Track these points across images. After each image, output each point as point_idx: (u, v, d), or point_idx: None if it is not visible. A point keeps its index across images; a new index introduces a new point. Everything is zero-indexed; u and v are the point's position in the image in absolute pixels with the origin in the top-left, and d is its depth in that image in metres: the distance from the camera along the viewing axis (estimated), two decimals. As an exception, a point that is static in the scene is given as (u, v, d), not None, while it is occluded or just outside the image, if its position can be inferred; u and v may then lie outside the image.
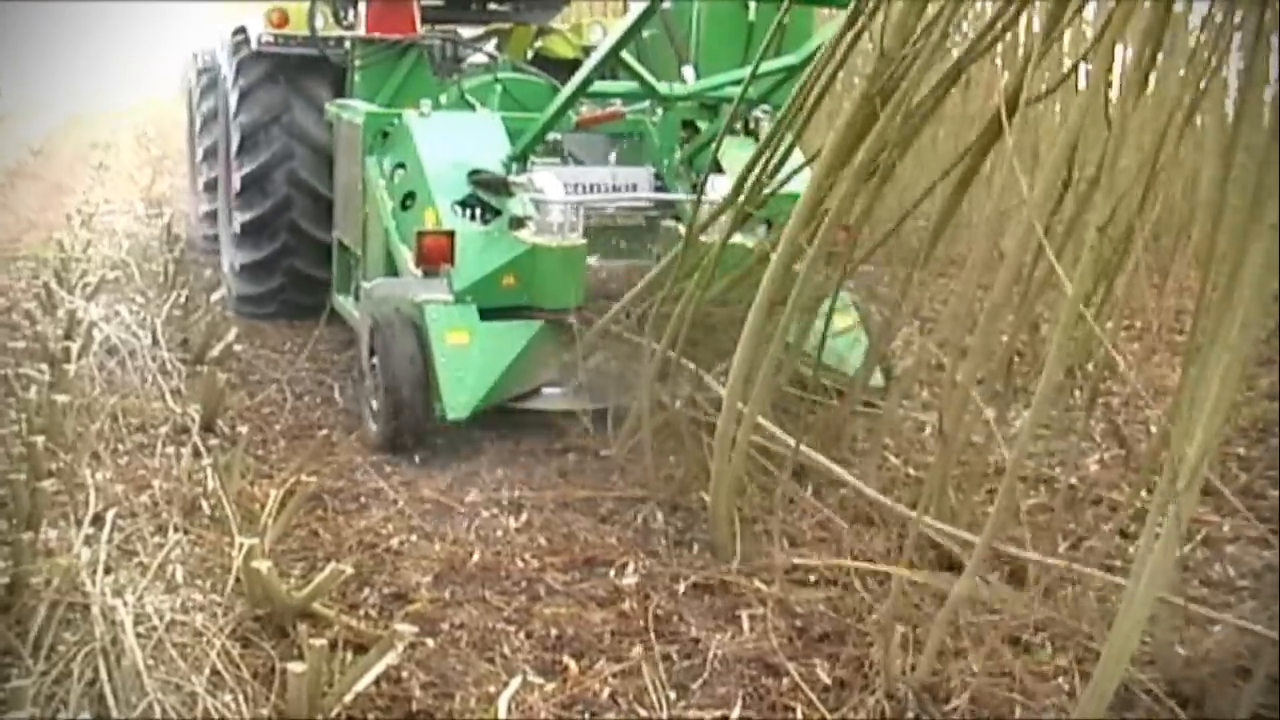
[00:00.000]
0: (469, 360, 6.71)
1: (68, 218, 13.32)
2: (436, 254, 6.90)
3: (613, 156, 8.51)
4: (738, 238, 6.41)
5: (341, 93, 9.08)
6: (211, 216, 11.10)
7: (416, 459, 6.75)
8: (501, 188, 7.29)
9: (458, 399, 6.62)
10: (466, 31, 10.24)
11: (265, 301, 9.67)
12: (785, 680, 4.65)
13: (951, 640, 4.65)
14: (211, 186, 10.87)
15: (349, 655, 4.51)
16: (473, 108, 8.54)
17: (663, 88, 7.83)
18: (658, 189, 8.07)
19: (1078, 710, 4.07)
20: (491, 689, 4.47)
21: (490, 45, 10.02)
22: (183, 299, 9.49)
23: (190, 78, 11.81)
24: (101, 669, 4.21)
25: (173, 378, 7.72)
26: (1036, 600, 4.77)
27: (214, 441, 6.70)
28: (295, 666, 4.07)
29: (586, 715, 4.38)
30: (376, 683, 4.36)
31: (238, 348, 8.59)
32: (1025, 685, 4.50)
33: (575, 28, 10.64)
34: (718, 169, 7.26)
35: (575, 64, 9.10)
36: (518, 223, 7.13)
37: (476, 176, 7.37)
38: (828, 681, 4.65)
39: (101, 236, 12.68)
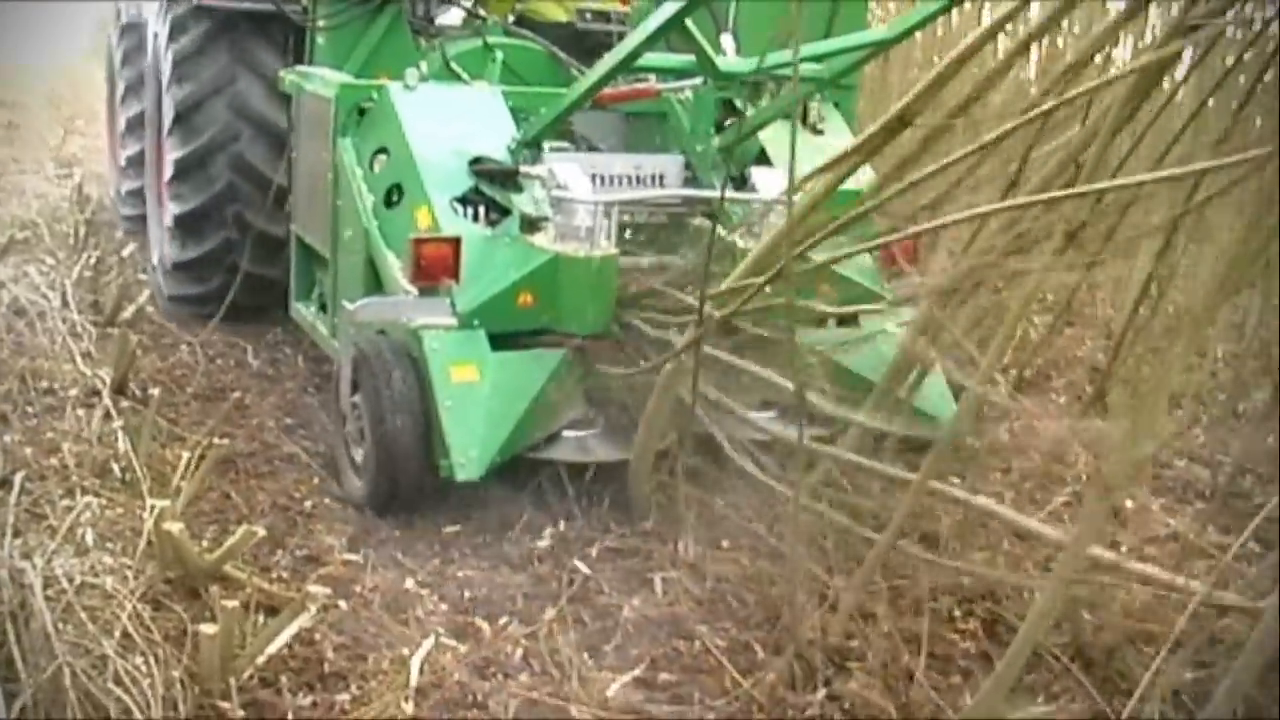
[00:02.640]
0: (480, 402, 5.48)
1: (-27, 178, 13.09)
2: (437, 267, 5.63)
3: (626, 140, 7.41)
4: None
5: (299, 58, 7.67)
6: (136, 196, 9.89)
7: (327, 423, 6.69)
8: (510, 181, 6.11)
9: (468, 453, 5.38)
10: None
11: (203, 304, 8.20)
12: (697, 643, 4.71)
13: (869, 602, 4.70)
14: (136, 163, 9.64)
15: (261, 617, 4.51)
16: (460, 79, 7.26)
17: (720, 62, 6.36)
18: (688, 181, 6.83)
19: (993, 674, 4.15)
20: (404, 651, 4.49)
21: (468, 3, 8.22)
22: (93, 260, 9.34)
23: (111, 36, 10.66)
24: (10, 632, 4.18)
25: (83, 340, 7.62)
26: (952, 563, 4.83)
27: (125, 404, 6.64)
28: (207, 628, 4.07)
29: (499, 676, 4.41)
30: (289, 644, 4.37)
31: (150, 310, 8.50)
32: (936, 649, 4.58)
33: None
34: (764, 160, 6.56)
35: (566, 29, 8.23)
36: (531, 225, 5.93)
37: (479, 166, 6.08)
38: (739, 644, 4.71)
39: (10, 196, 12.46)
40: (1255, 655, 3.27)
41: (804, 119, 6.82)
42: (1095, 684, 4.36)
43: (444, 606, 4.92)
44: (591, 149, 7.06)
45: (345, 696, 4.23)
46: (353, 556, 5.26)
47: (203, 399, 7.11)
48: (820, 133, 6.84)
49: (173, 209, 8.06)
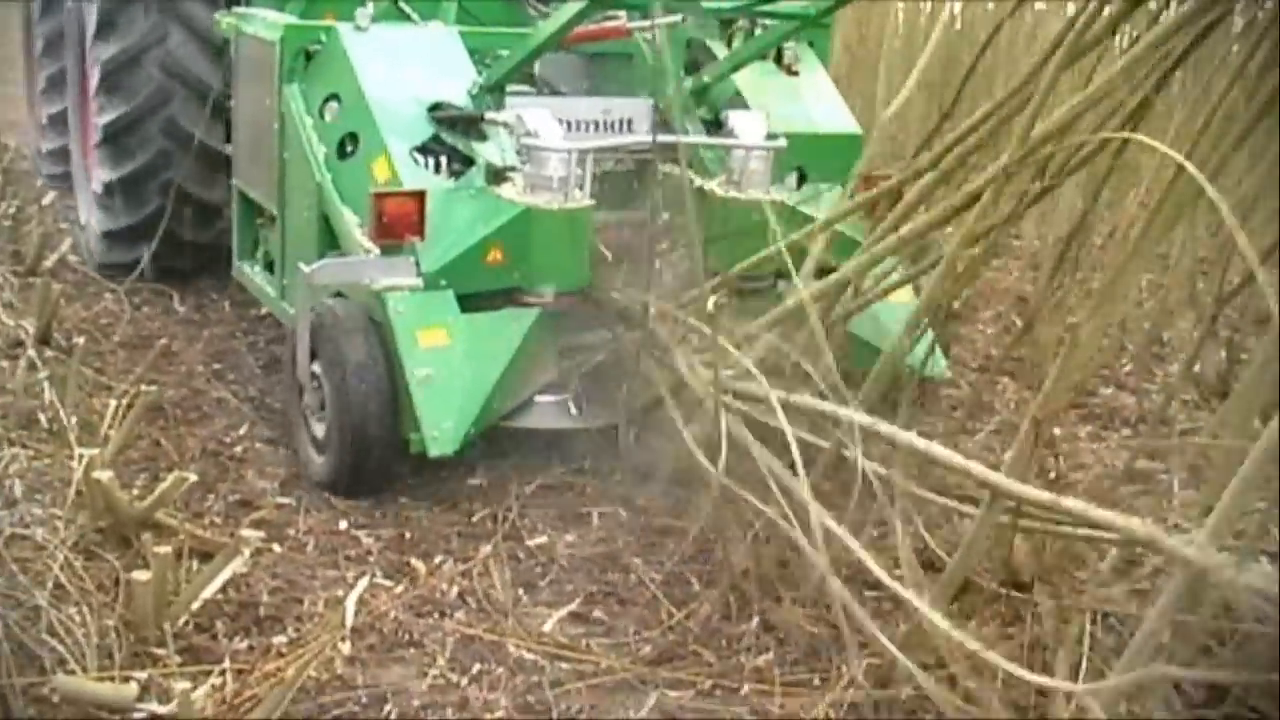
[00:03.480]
0: (451, 369, 5.14)
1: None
2: (401, 223, 5.24)
3: (589, 83, 6.90)
4: (770, 195, 5.70)
5: (234, 4, 7.18)
6: (59, 156, 9.42)
7: (255, 367, 6.67)
8: (473, 128, 5.73)
9: (442, 425, 5.05)
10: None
11: (135, 270, 7.80)
12: (632, 576, 4.74)
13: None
14: (59, 121, 9.15)
15: (195, 563, 4.50)
16: (410, 20, 6.74)
17: None
18: (657, 125, 6.41)
19: (929, 596, 4.21)
20: (339, 592, 4.51)
21: None
22: (12, 210, 9.17)
23: None
24: (-61, 586, 4.15)
25: (4, 290, 7.52)
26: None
27: (50, 354, 6.54)
28: (140, 575, 4.05)
29: (435, 615, 4.43)
30: (223, 589, 4.36)
31: (72, 258, 8.39)
32: (869, 577, 4.62)
33: None
34: (740, 103, 6.26)
35: None
36: (498, 176, 5.57)
37: (439, 113, 5.70)
38: (674, 577, 4.76)
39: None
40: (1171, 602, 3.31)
41: (778, 59, 6.65)
42: (1026, 608, 4.41)
43: (379, 547, 4.93)
44: (554, 93, 6.70)
45: (281, 639, 4.23)
46: (285, 500, 5.27)
47: (129, 347, 7.03)
48: (795, 74, 6.66)
49: (101, 175, 7.63)
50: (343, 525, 5.08)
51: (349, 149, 5.74)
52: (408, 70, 5.80)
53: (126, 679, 3.84)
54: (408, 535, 5.02)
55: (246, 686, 3.93)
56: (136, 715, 3.73)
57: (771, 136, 5.94)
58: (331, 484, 5.31)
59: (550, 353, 5.48)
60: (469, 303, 5.31)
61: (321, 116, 5.88)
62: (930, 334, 5.36)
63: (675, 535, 5.01)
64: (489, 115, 5.68)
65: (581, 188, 5.45)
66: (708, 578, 4.73)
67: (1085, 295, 5.58)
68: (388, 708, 3.91)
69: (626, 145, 6.18)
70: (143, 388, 5.93)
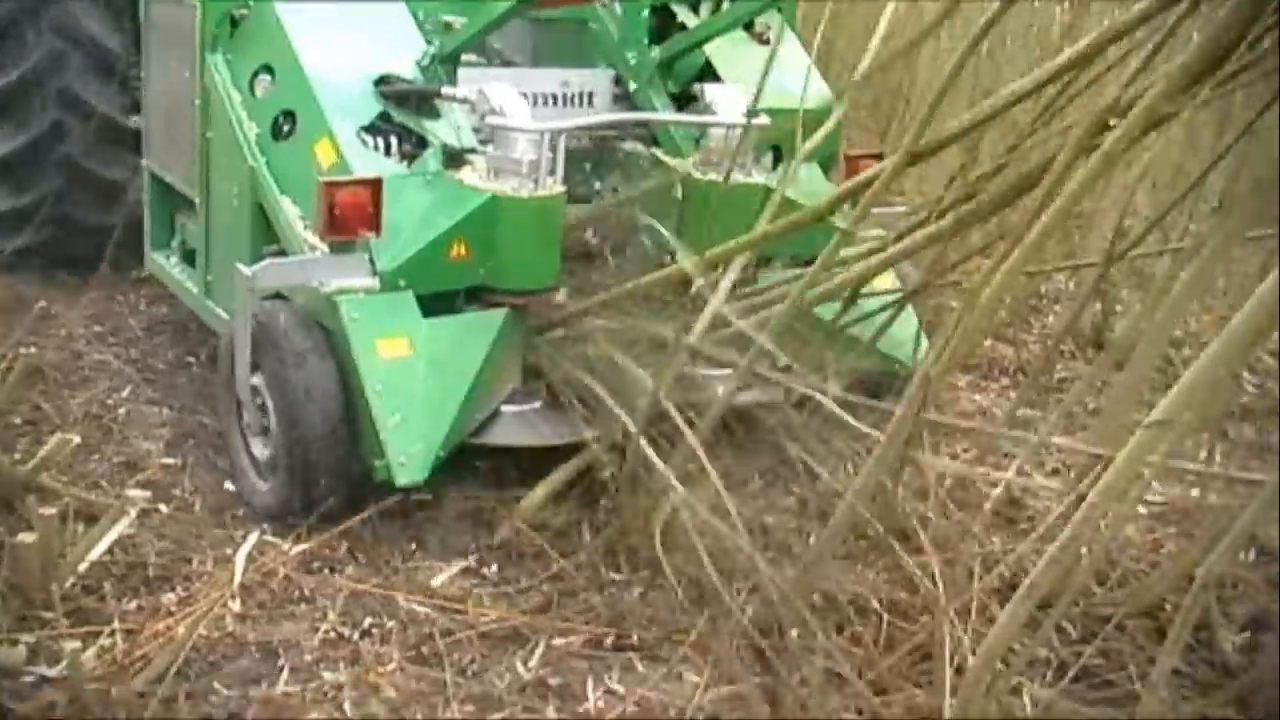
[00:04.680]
0: (415, 383, 4.56)
1: None
2: (355, 217, 4.61)
3: (540, 52, 6.22)
4: (742, 176, 5.30)
5: None
6: None
7: (137, 329, 6.57)
8: (425, 105, 5.11)
9: (408, 449, 4.47)
10: None
11: (26, 258, 7.11)
12: (520, 530, 4.78)
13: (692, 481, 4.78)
14: None
15: (80, 526, 4.46)
16: None
17: None
18: (619, 98, 5.87)
19: (813, 546, 4.30)
20: (228, 550, 4.50)
21: None
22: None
23: None
24: None
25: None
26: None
27: (-78, 319, 6.44)
28: (25, 538, 4.01)
29: (325, 570, 4.43)
30: (110, 550, 4.35)
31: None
32: (756, 521, 4.70)
33: None
34: (711, 75, 5.80)
35: None
36: (456, 159, 5.00)
37: (387, 87, 5.07)
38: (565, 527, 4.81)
39: None
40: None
41: (748, 26, 6.12)
42: (909, 552, 4.50)
43: (267, 505, 4.91)
44: (506, 63, 6.03)
45: (171, 598, 4.24)
46: (170, 460, 5.24)
47: (6, 310, 6.88)
48: (767, 42, 6.05)
49: None
50: (229, 485, 5.06)
51: (286, 129, 5.11)
52: (349, 38, 5.14)
53: (15, 642, 3.83)
54: (296, 493, 5.00)
55: (136, 646, 3.93)
56: (26, 678, 3.72)
57: (751, 113, 5.33)
58: (280, 514, 4.73)
59: (517, 357, 4.98)
60: (431, 305, 4.76)
61: (252, 91, 5.24)
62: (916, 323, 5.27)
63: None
64: (446, 90, 5.07)
65: (553, 173, 4.84)
66: (597, 527, 4.77)
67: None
68: (280, 662, 3.94)
69: (606, 123, 5.64)
70: (21, 351, 5.83)
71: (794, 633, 3.97)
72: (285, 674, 3.89)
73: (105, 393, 5.86)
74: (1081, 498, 3.43)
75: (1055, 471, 5.55)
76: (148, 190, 6.30)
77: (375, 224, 4.63)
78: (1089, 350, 7.44)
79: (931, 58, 9.23)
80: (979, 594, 4.15)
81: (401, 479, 4.44)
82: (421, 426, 4.49)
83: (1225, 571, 3.90)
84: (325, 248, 4.71)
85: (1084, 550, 3.70)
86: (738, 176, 5.33)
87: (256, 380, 4.76)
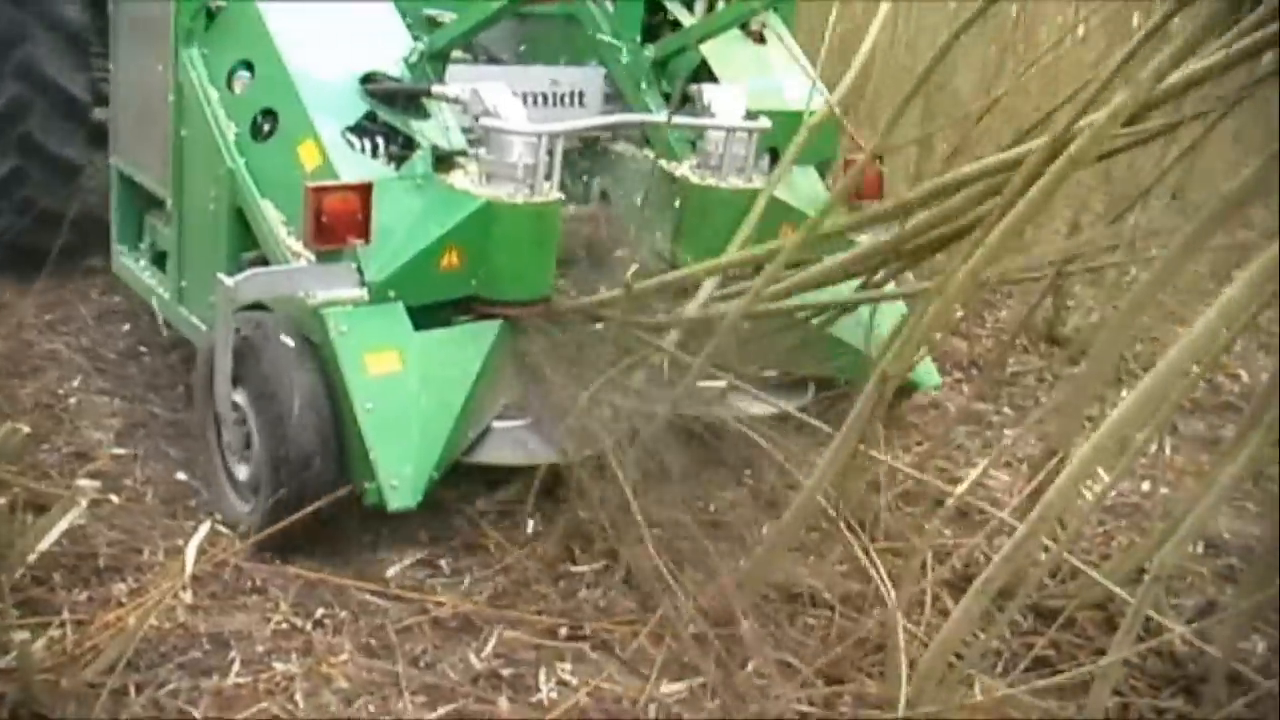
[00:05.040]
0: (407, 401, 4.32)
1: None
2: (344, 224, 4.36)
3: (525, 49, 5.93)
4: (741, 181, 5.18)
5: None
6: None
7: (88, 318, 6.51)
8: (413, 104, 4.86)
9: (400, 471, 4.22)
10: None
11: None
12: (474, 522, 4.81)
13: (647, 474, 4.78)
14: None
15: (30, 517, 4.41)
16: None
17: None
18: (610, 97, 5.71)
19: (768, 535, 4.32)
20: (179, 541, 4.46)
21: None
22: None
23: None
24: None
25: None
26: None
27: None
28: (-27, 528, 3.97)
29: (278, 561, 4.41)
30: (61, 541, 4.27)
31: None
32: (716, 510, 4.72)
33: None
34: (707, 75, 5.62)
35: None
36: (446, 162, 4.79)
37: (373, 85, 4.81)
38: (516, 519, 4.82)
39: None
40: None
41: (744, 25, 5.92)
42: (861, 545, 4.52)
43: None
44: (492, 60, 5.78)
45: (121, 588, 4.20)
46: (121, 450, 5.19)
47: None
48: (763, 41, 5.99)
49: None
50: (181, 476, 5.03)
51: (267, 129, 4.82)
52: (332, 33, 4.88)
53: (-38, 632, 3.79)
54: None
55: (87, 637, 3.88)
56: (-26, 668, 3.69)
57: (751, 115, 5.25)
58: (260, 536, 4.38)
59: (510, 371, 4.73)
60: (421, 317, 4.53)
61: (229, 88, 4.94)
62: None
63: (520, 477, 5.00)
64: (436, 89, 4.80)
65: (549, 178, 4.65)
66: (551, 518, 4.77)
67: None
68: (231, 653, 3.91)
69: (606, 125, 5.43)
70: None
71: (746, 623, 3.98)
72: (237, 665, 3.86)
73: (55, 382, 5.79)
74: (1037, 492, 3.47)
75: (1009, 464, 5.59)
76: (114, 189, 5.96)
77: (365, 231, 4.40)
78: (1042, 345, 7.50)
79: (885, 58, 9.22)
80: (931, 586, 4.19)
81: (394, 503, 4.20)
82: (414, 447, 4.27)
83: (1176, 564, 3.93)
84: (310, 255, 4.48)
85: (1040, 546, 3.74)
86: (736, 181, 5.24)
87: (238, 396, 4.54)
